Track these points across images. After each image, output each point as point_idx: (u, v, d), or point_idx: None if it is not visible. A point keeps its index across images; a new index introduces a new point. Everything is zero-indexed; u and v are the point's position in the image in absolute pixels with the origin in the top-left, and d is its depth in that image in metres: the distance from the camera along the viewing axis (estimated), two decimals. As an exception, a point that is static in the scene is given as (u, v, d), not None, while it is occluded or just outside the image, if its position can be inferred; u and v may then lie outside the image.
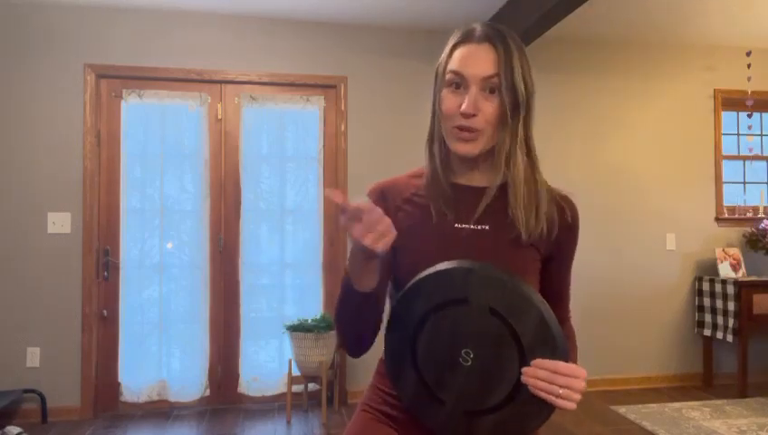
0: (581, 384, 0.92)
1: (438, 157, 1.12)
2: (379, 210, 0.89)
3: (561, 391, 0.91)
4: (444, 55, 1.11)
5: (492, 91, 1.05)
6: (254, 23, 3.79)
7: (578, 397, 0.91)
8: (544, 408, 0.93)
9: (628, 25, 3.98)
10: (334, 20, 3.85)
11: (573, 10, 3.19)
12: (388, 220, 0.90)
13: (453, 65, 1.07)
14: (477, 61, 1.05)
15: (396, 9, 3.67)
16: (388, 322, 1.03)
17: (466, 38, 1.08)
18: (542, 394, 0.91)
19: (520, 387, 0.93)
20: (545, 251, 1.11)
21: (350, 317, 1.07)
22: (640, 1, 3.58)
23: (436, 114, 1.12)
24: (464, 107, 1.04)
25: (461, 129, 1.05)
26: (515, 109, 1.06)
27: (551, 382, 0.91)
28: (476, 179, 1.13)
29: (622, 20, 3.88)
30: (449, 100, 1.07)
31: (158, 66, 3.67)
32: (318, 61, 3.87)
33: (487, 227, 1.09)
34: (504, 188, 1.10)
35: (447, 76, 1.08)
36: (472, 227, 1.09)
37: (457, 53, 1.08)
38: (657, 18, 3.85)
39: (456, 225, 1.10)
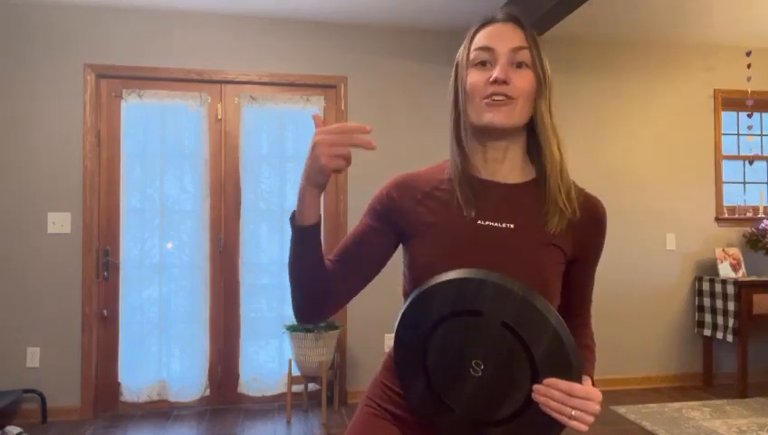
0: (596, 407, 0.88)
1: (465, 146, 1.06)
2: (351, 135, 0.91)
3: (573, 413, 0.87)
4: (465, 42, 1.06)
5: (520, 66, 1.01)
6: (254, 23, 3.79)
7: (591, 419, 0.88)
8: (555, 425, 0.91)
9: (628, 26, 3.97)
10: (334, 20, 3.84)
11: (573, 10, 3.19)
12: (349, 149, 0.91)
13: (479, 43, 1.03)
14: (505, 35, 1.02)
15: (396, 9, 3.67)
16: (400, 321, 1.00)
17: (489, 20, 1.05)
18: (554, 414, 0.88)
19: (530, 403, 0.91)
20: (570, 253, 1.06)
21: (293, 262, 1.07)
22: (640, 1, 3.58)
23: (461, 101, 1.05)
24: (495, 74, 0.98)
25: (492, 95, 0.99)
26: (544, 87, 1.03)
27: (564, 404, 0.87)
28: (501, 175, 1.06)
29: (622, 20, 3.88)
30: (476, 75, 1.02)
31: (158, 66, 3.67)
32: (318, 61, 3.87)
33: (512, 226, 1.02)
34: (531, 185, 1.06)
35: (473, 55, 1.03)
36: (496, 224, 1.03)
37: (482, 33, 1.04)
38: (658, 18, 3.85)
39: (480, 222, 1.03)
